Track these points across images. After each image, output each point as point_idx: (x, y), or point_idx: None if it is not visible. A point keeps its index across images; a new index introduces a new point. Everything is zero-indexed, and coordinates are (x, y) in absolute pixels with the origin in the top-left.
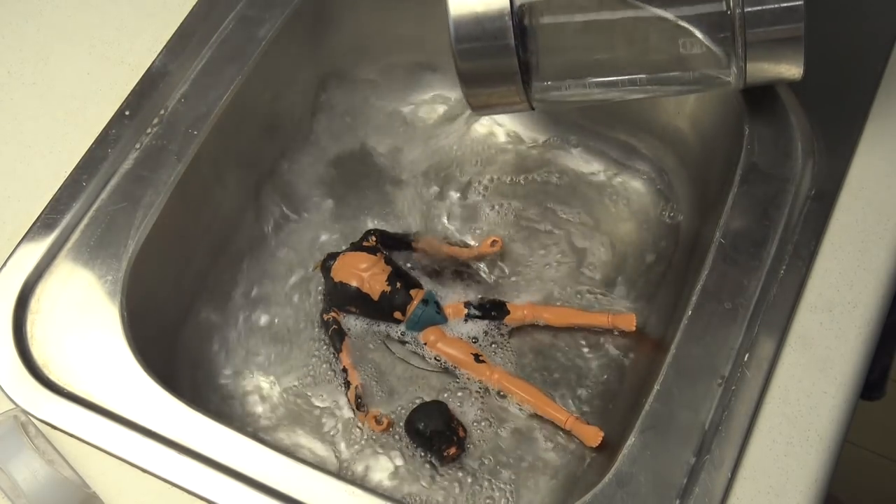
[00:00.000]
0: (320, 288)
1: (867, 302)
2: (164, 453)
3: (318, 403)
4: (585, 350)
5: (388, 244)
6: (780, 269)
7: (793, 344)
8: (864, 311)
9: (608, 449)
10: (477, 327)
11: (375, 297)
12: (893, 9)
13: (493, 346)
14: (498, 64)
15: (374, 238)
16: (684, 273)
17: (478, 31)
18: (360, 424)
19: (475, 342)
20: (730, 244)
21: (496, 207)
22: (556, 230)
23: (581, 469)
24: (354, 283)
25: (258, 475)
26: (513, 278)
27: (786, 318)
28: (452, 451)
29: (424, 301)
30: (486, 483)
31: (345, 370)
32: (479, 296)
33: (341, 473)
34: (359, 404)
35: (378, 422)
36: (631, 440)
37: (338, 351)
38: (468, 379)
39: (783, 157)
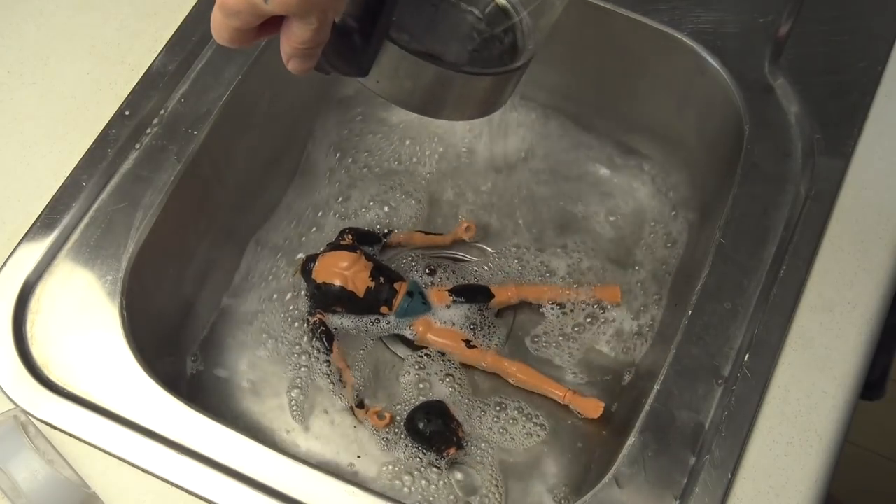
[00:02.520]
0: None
1: (867, 302)
2: (164, 453)
3: (318, 403)
4: (575, 328)
5: (363, 240)
6: (780, 269)
7: (793, 344)
8: (864, 311)
9: (608, 448)
10: (463, 313)
11: (361, 294)
12: (893, 9)
13: (482, 329)
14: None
15: (349, 236)
16: (684, 273)
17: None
18: (360, 422)
19: (462, 328)
20: (730, 244)
21: (494, 206)
22: (554, 230)
23: (581, 469)
24: (338, 283)
25: (258, 475)
26: (503, 261)
27: (786, 318)
28: (452, 450)
29: (409, 293)
30: (485, 483)
31: (338, 370)
32: (462, 282)
33: (341, 473)
34: (358, 403)
35: (380, 417)
36: (631, 440)
37: (329, 352)
38: (462, 366)
39: (783, 157)
